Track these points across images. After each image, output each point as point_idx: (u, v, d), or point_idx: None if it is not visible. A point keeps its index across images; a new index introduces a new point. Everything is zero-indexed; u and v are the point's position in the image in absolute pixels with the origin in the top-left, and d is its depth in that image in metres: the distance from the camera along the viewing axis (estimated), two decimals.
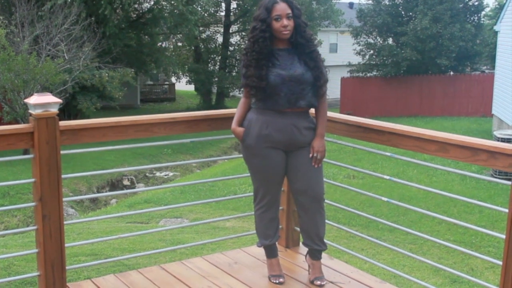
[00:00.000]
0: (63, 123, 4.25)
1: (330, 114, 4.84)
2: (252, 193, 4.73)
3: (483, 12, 38.16)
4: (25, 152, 4.33)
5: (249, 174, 4.68)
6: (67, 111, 25.46)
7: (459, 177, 16.10)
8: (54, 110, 4.15)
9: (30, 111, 4.14)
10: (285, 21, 4.34)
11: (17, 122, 20.36)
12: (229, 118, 4.92)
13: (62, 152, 4.23)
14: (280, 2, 4.36)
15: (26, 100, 4.25)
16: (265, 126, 4.44)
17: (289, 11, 4.36)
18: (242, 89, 4.59)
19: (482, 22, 37.64)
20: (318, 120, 4.56)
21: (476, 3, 36.29)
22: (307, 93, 4.43)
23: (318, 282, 4.66)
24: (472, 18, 36.46)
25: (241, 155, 4.67)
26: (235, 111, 4.71)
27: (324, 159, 4.62)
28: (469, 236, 11.00)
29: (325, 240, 4.70)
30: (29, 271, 7.27)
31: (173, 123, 4.76)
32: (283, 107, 4.39)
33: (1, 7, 26.22)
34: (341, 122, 4.87)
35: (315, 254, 4.74)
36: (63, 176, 4.26)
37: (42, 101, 4.10)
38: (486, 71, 40.26)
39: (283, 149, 4.50)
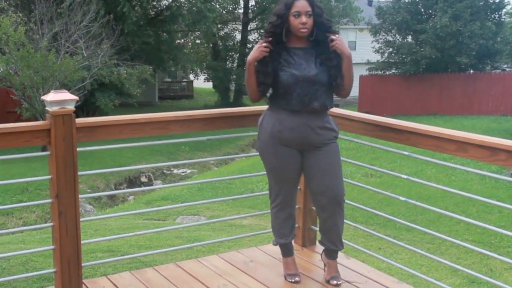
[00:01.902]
0: (79, 120, 4.25)
1: (347, 112, 4.83)
2: (268, 191, 4.72)
3: (504, 10, 37.92)
4: (44, 148, 4.37)
5: (265, 172, 4.68)
6: (85, 108, 25.52)
7: (478, 176, 16.00)
8: (71, 107, 4.15)
9: (46, 108, 4.14)
10: (304, 18, 4.28)
11: (36, 119, 20.46)
12: (245, 116, 4.93)
13: (78, 149, 4.24)
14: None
15: (43, 97, 4.25)
16: (277, 123, 4.42)
17: (309, 8, 4.31)
18: None
19: (503, 20, 37.39)
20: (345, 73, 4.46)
21: (497, 1, 36.03)
22: (321, 94, 4.38)
23: (334, 282, 4.63)
24: (492, 16, 36.20)
25: (257, 153, 4.65)
26: (252, 109, 4.71)
27: (342, 158, 4.61)
28: (488, 236, 10.92)
29: (342, 240, 4.69)
30: (46, 267, 7.30)
31: (189, 120, 4.75)
32: (295, 107, 4.36)
33: (20, 5, 26.35)
34: (359, 121, 4.85)
35: (331, 254, 4.72)
36: (79, 173, 4.27)
37: (59, 98, 4.10)
38: (507, 69, 39.99)
39: (297, 149, 4.47)
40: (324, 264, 4.81)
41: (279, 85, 4.36)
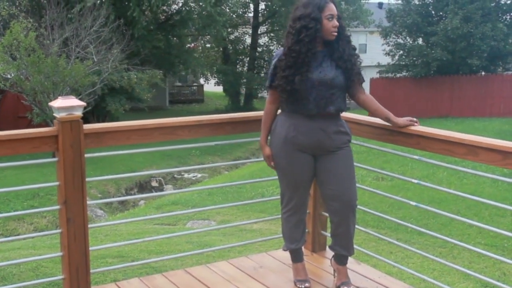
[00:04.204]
0: (87, 127, 4.25)
1: (356, 116, 4.80)
2: (279, 196, 4.70)
3: None
4: (54, 154, 4.38)
5: (276, 177, 4.66)
6: (96, 113, 25.59)
7: (491, 179, 15.92)
8: (78, 113, 4.15)
9: (54, 114, 4.14)
10: (336, 22, 4.26)
11: (47, 124, 20.51)
12: (253, 121, 4.91)
13: (86, 155, 4.23)
14: (330, 2, 4.28)
15: (50, 104, 4.25)
16: (292, 128, 4.38)
17: (337, 12, 4.29)
18: (267, 92, 4.55)
19: None
20: (380, 110, 4.53)
21: (508, 2, 35.86)
22: (337, 98, 4.35)
23: None
24: (504, 17, 36.07)
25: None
26: (260, 113, 4.68)
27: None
28: (501, 240, 10.86)
29: (353, 245, 4.66)
30: (56, 273, 7.29)
31: (197, 126, 4.75)
32: (311, 112, 4.32)
33: (31, 10, 26.42)
34: (368, 125, 4.82)
35: (342, 260, 4.69)
36: (87, 179, 4.27)
37: (66, 105, 4.09)
38: None
39: (311, 153, 4.44)
40: (334, 270, 4.78)
41: (295, 88, 4.29)
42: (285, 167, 4.50)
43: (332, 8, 4.25)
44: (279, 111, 4.56)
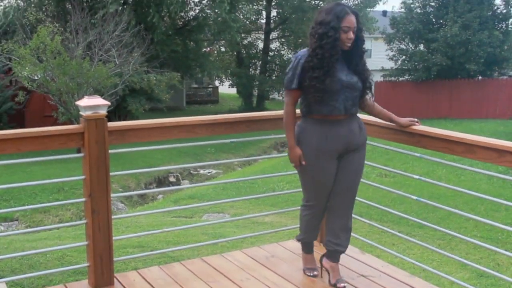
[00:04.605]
0: (111, 124, 4.27)
1: (363, 116, 4.80)
2: (290, 190, 4.70)
3: (511, 20, 37.58)
4: (78, 150, 4.40)
5: (287, 172, 4.63)
6: (117, 112, 25.62)
7: (487, 177, 15.88)
8: (103, 111, 4.17)
9: (80, 112, 4.16)
10: (351, 34, 4.16)
11: (71, 122, 20.55)
12: (266, 120, 4.92)
13: (110, 151, 4.25)
14: (350, 14, 4.17)
15: (77, 103, 4.28)
16: (324, 137, 4.26)
17: (355, 24, 4.19)
18: (283, 93, 4.42)
19: (510, 29, 37.05)
20: (384, 112, 4.57)
21: (504, 11, 35.80)
22: (357, 101, 4.34)
23: (342, 285, 4.51)
24: (500, 25, 35.95)
25: (280, 155, 4.62)
26: (272, 113, 4.67)
27: None
28: (495, 233, 10.84)
29: (356, 236, 4.66)
30: (80, 262, 7.32)
31: (214, 124, 4.75)
32: (339, 113, 4.23)
33: (57, 16, 26.53)
34: (374, 125, 4.82)
35: (336, 256, 4.59)
36: (111, 173, 4.29)
37: (92, 104, 4.12)
38: None
39: (337, 157, 4.35)
40: (327, 270, 4.66)
41: (326, 89, 4.17)
42: (317, 177, 4.37)
43: (350, 20, 4.15)
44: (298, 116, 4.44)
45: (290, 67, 4.31)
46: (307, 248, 4.80)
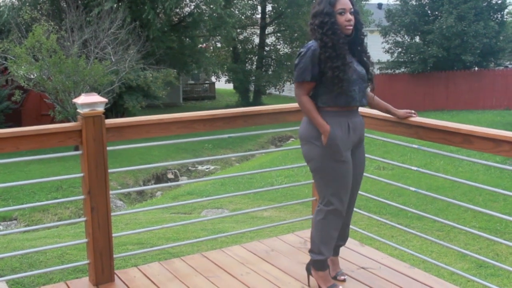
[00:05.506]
0: (108, 121, 4.27)
1: (360, 109, 4.81)
2: (289, 184, 4.68)
3: (506, 10, 37.59)
4: (76, 148, 4.37)
5: (285, 166, 4.61)
6: (114, 110, 25.60)
7: (484, 167, 15.93)
8: (101, 109, 4.18)
9: (78, 110, 4.16)
10: (349, 16, 4.00)
11: (68, 121, 20.53)
12: (263, 114, 4.91)
13: (108, 148, 4.26)
14: None
15: (74, 100, 4.28)
16: (347, 129, 4.07)
17: (351, 6, 4.04)
18: (299, 86, 4.10)
19: (505, 19, 37.11)
20: (382, 104, 4.53)
21: (499, 2, 35.77)
22: (366, 92, 4.24)
23: (342, 277, 4.49)
24: (495, 16, 35.97)
25: (276, 149, 4.60)
26: (270, 107, 4.66)
27: None
28: (494, 223, 10.87)
29: (355, 228, 4.65)
30: (80, 259, 7.33)
31: (212, 119, 4.75)
32: (355, 104, 4.08)
33: (52, 14, 26.47)
34: (371, 117, 4.82)
35: (336, 250, 4.50)
36: (109, 170, 4.29)
37: (89, 101, 4.12)
38: (510, 66, 39.77)
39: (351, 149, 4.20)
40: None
41: (346, 78, 3.99)
42: (340, 171, 4.08)
43: (343, 2, 4.00)
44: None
45: (302, 59, 4.06)
46: (323, 265, 4.33)
